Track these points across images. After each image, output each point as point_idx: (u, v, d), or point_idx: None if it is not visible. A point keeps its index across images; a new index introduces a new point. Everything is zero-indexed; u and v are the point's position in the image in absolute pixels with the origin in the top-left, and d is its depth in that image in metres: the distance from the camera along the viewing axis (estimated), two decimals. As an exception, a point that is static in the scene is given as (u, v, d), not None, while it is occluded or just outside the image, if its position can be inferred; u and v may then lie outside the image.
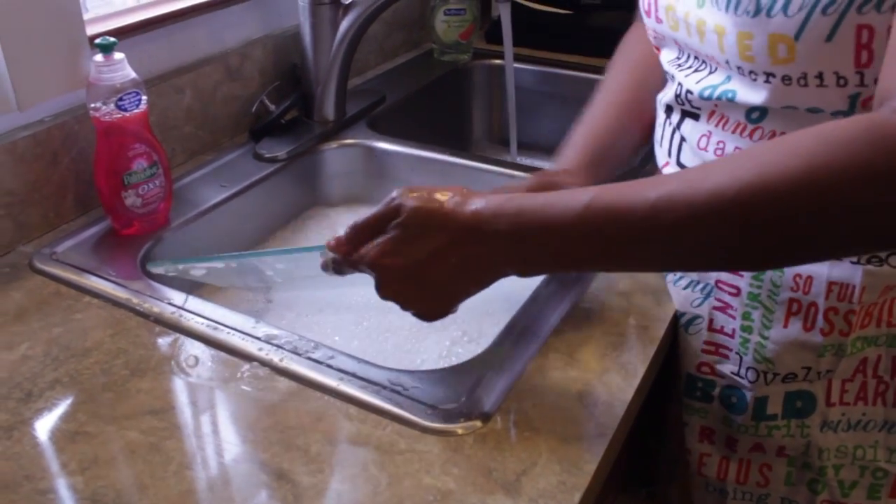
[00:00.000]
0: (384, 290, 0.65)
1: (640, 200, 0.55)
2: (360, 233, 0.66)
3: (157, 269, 0.83)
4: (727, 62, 0.66)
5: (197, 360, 0.71)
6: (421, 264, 0.61)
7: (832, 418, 0.74)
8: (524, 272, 0.62)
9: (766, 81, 0.64)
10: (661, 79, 0.81)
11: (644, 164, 1.00)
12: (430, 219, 0.61)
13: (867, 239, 0.53)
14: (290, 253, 0.79)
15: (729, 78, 0.68)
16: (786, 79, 0.62)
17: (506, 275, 0.62)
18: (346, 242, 0.67)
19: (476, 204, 0.60)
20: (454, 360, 0.79)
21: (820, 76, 0.60)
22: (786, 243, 0.53)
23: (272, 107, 1.13)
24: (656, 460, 0.91)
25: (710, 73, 0.70)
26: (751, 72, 0.64)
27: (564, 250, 0.59)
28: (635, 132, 0.86)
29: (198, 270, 0.83)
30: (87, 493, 0.58)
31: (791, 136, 0.53)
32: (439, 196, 0.62)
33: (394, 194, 0.64)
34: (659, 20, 0.74)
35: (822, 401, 0.74)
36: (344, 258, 0.67)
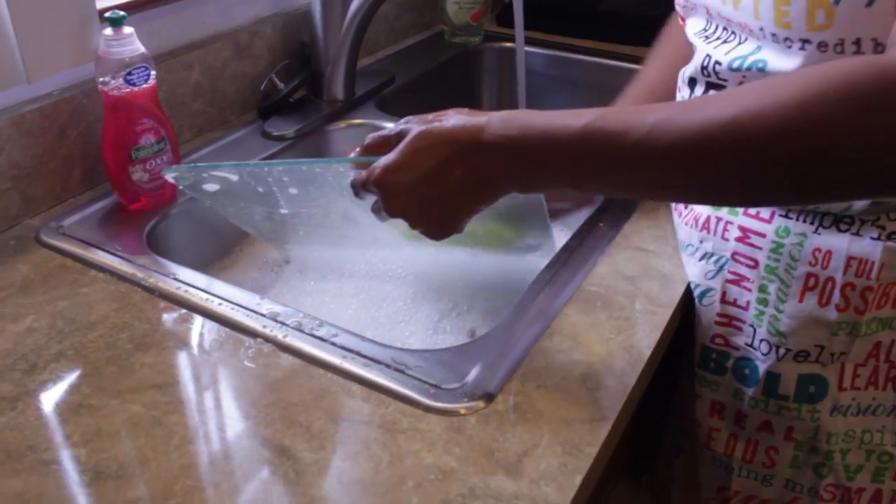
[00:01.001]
0: (390, 206, 0.66)
1: (638, 123, 0.55)
2: (369, 151, 0.68)
3: (170, 175, 0.82)
4: (761, 29, 0.65)
5: (201, 335, 0.71)
6: (425, 179, 0.63)
7: (843, 403, 0.74)
8: (524, 188, 0.63)
9: (801, 49, 0.63)
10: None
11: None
12: (435, 136, 0.63)
13: (860, 177, 0.51)
14: (309, 164, 0.78)
15: (759, 48, 0.67)
16: (822, 45, 0.61)
17: (507, 191, 0.63)
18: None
19: (479, 120, 0.62)
20: (441, 335, 0.79)
21: (857, 42, 0.59)
22: (776, 175, 0.52)
23: (281, 85, 1.13)
24: (661, 435, 0.90)
25: (740, 43, 0.69)
26: (786, 39, 0.63)
27: (563, 167, 0.60)
28: None
29: (211, 184, 0.81)
30: (89, 465, 0.58)
31: (798, 71, 0.53)
32: (444, 118, 0.64)
33: (402, 120, 0.66)
34: None
35: (835, 386, 0.74)
36: (355, 179, 0.69)
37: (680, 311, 0.77)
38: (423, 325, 0.83)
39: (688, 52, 0.80)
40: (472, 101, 1.46)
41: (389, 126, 0.68)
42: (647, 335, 0.72)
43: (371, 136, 0.69)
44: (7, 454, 0.59)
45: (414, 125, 0.64)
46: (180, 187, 0.83)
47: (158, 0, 0.98)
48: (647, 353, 0.70)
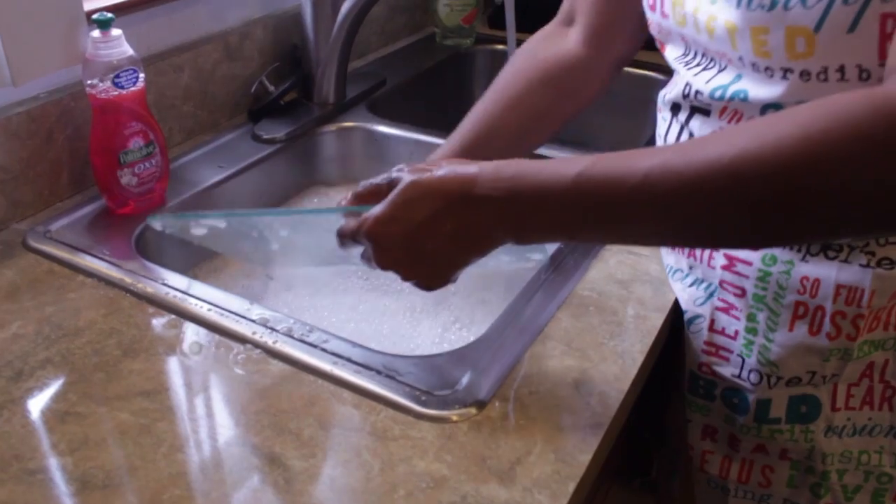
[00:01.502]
0: (382, 259, 0.64)
1: (634, 169, 0.53)
2: (360, 200, 0.66)
3: (156, 224, 0.80)
4: (740, 59, 0.64)
5: (190, 341, 0.71)
6: (416, 232, 0.61)
7: (837, 423, 0.73)
8: (520, 240, 0.61)
9: (784, 77, 0.62)
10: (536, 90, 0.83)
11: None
12: (425, 187, 0.61)
13: (863, 217, 0.50)
14: (298, 214, 0.76)
15: (740, 76, 0.66)
16: (804, 74, 0.60)
17: (503, 242, 0.61)
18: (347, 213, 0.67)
19: (469, 170, 0.60)
20: (447, 347, 0.79)
21: (841, 70, 0.58)
22: (780, 217, 0.51)
23: (271, 87, 1.12)
24: (655, 453, 0.90)
25: (720, 70, 0.68)
26: (766, 68, 0.62)
27: (558, 217, 0.58)
28: (512, 119, 0.85)
29: (198, 229, 0.79)
30: (76, 474, 0.57)
31: (794, 108, 0.51)
32: (435, 168, 0.62)
33: (394, 169, 0.64)
34: (665, 15, 0.72)
35: (828, 406, 0.72)
36: (343, 228, 0.67)
37: (672, 318, 0.77)
38: (427, 338, 0.82)
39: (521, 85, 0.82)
40: (463, 104, 1.45)
41: (380, 176, 0.66)
42: (639, 340, 0.72)
43: (362, 185, 0.66)
44: (-8, 463, 0.58)
45: (405, 174, 0.62)
46: (167, 232, 0.80)
47: (148, 2, 0.97)
48: (641, 358, 0.70)
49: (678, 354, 0.80)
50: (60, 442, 0.60)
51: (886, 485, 0.74)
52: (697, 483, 0.83)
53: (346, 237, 0.66)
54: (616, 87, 0.91)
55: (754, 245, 0.66)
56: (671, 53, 0.75)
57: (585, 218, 0.57)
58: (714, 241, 0.60)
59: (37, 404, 0.64)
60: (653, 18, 0.75)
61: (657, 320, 0.74)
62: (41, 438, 0.60)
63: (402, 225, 0.61)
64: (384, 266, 0.64)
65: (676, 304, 0.78)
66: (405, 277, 0.65)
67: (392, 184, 0.63)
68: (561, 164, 0.57)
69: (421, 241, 0.61)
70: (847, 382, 0.71)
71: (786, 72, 0.61)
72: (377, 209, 0.62)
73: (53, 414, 0.63)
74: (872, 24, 0.55)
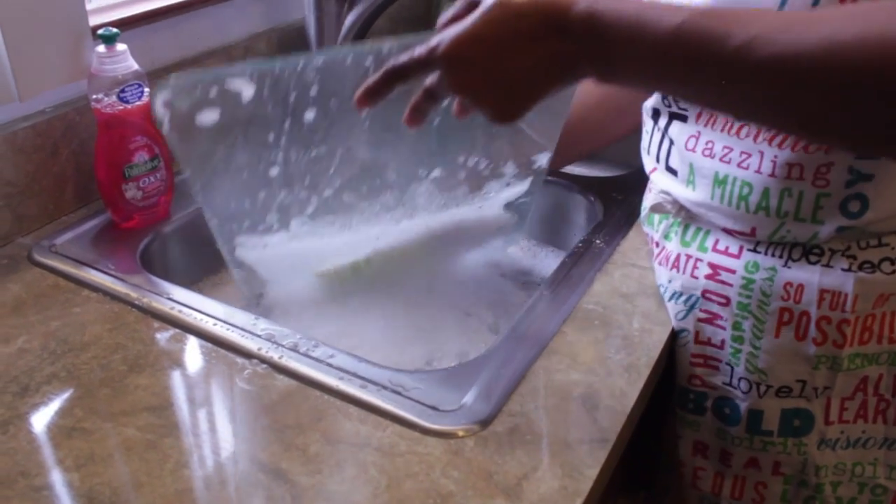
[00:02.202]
0: (456, 82, 0.60)
1: (740, 29, 0.50)
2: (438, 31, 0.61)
3: (164, 94, 0.68)
4: None
5: (196, 356, 0.71)
6: (501, 53, 0.57)
7: (830, 436, 0.73)
8: (605, 78, 0.58)
9: None
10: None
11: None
12: (516, 6, 0.56)
13: None
14: (355, 51, 0.67)
15: None
16: None
17: (585, 76, 0.59)
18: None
19: None
20: (451, 362, 0.79)
21: None
22: (885, 108, 0.48)
23: (275, 101, 1.12)
24: (656, 467, 0.90)
25: None
26: None
27: (651, 62, 0.55)
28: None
29: (210, 112, 0.68)
30: (82, 491, 0.57)
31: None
32: None
33: None
34: None
35: (821, 420, 0.72)
36: (409, 57, 0.61)
37: (673, 333, 0.77)
38: (432, 353, 0.83)
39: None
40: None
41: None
42: (645, 353, 0.72)
43: (441, 20, 0.61)
44: (-2, 480, 0.58)
45: None
46: (165, 125, 0.68)
47: (153, 16, 0.97)
48: (647, 371, 0.69)
49: (670, 370, 0.80)
50: (66, 458, 0.60)
51: (881, 496, 0.74)
52: (690, 500, 0.82)
53: (411, 67, 0.61)
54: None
55: (841, 136, 0.57)
56: None
57: (679, 68, 0.54)
58: (801, 118, 0.55)
59: (43, 420, 0.64)
60: None
61: (662, 334, 0.74)
62: (47, 454, 0.60)
63: (485, 45, 0.57)
64: (458, 90, 0.60)
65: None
66: (477, 102, 0.61)
67: (473, 4, 0.59)
68: (665, 9, 0.54)
69: (505, 64, 0.57)
70: (841, 396, 0.71)
71: None
72: (456, 28, 0.58)
73: (59, 429, 0.62)
74: (833, 2, 0.56)
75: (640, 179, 0.95)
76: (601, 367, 0.70)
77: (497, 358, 0.70)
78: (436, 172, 0.82)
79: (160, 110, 0.68)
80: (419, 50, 0.60)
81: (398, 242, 0.85)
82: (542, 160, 0.86)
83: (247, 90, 0.68)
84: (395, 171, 0.80)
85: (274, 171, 0.74)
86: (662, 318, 0.77)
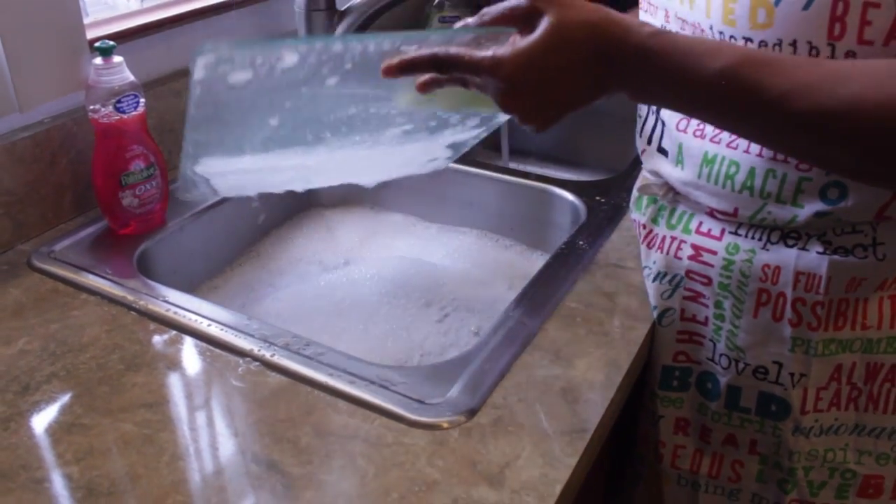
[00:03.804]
0: (509, 104, 0.63)
1: (773, 83, 0.57)
2: (493, 24, 0.63)
3: (205, 57, 0.63)
4: (711, 27, 0.68)
5: (191, 355, 0.73)
6: (558, 80, 0.60)
7: (805, 425, 0.76)
8: (638, 99, 0.64)
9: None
10: None
11: (632, 169, 1.02)
12: (573, 35, 0.59)
13: None
14: (411, 37, 0.67)
15: None
16: (762, 44, 0.64)
17: (620, 93, 0.63)
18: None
19: (621, 25, 0.60)
20: (438, 358, 0.81)
21: (794, 44, 0.62)
22: None
23: (268, 111, 1.15)
24: (628, 462, 0.92)
25: None
26: (731, 37, 0.66)
27: (688, 101, 0.61)
28: None
29: (243, 73, 0.65)
30: (82, 483, 0.59)
31: None
32: (582, 8, 0.60)
33: None
34: None
35: (798, 409, 0.75)
36: (457, 57, 0.63)
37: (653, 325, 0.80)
38: (420, 348, 0.85)
39: None
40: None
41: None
42: (625, 349, 0.74)
43: (489, 10, 0.63)
44: (0, 473, 0.60)
45: (548, 6, 0.60)
46: (195, 77, 0.64)
47: (147, 29, 1.00)
48: (626, 366, 0.72)
49: (646, 359, 0.82)
50: (66, 452, 0.62)
51: (850, 480, 0.77)
52: (667, 482, 0.85)
53: (462, 66, 0.63)
54: (603, 106, 0.94)
55: (870, 179, 0.65)
56: None
57: (712, 107, 0.60)
58: (830, 167, 0.64)
59: (43, 417, 0.66)
60: None
61: (642, 330, 0.77)
62: (47, 449, 0.63)
63: (546, 73, 0.60)
64: (508, 109, 0.63)
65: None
66: (524, 120, 0.64)
67: (531, 13, 0.61)
68: (708, 51, 0.59)
69: (557, 89, 0.61)
70: (816, 386, 0.74)
71: (747, 41, 0.65)
72: (518, 50, 0.60)
73: (59, 425, 0.65)
74: (825, 4, 0.60)
75: (622, 183, 0.98)
76: (582, 363, 0.72)
77: (481, 354, 0.72)
78: (408, 126, 0.81)
79: (199, 73, 0.63)
80: (480, 58, 0.62)
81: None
82: (503, 118, 0.86)
83: (288, 58, 0.65)
84: (372, 119, 0.80)
85: (274, 121, 0.72)
86: (643, 315, 0.79)
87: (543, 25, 0.60)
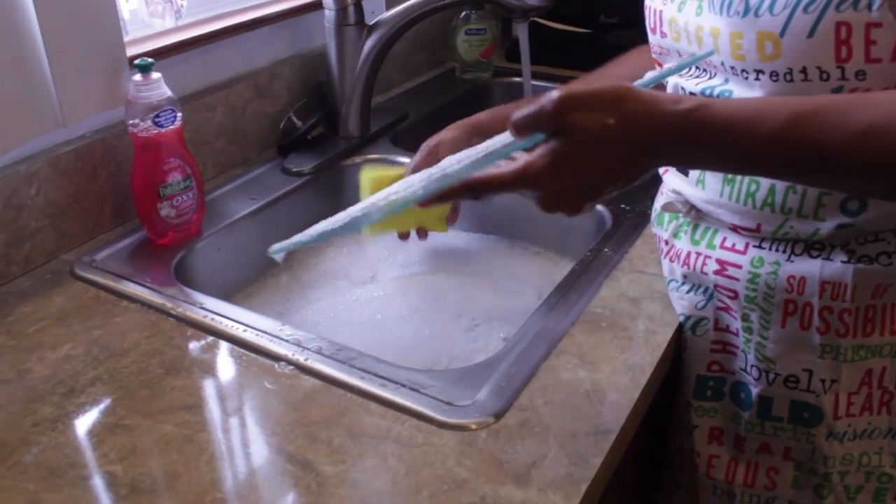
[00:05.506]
0: (548, 206, 0.63)
1: (821, 137, 0.57)
2: (520, 132, 0.62)
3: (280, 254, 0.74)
4: (722, 63, 0.70)
5: (227, 360, 0.76)
6: (594, 178, 0.61)
7: (839, 430, 0.76)
8: (674, 166, 0.70)
9: (757, 79, 0.67)
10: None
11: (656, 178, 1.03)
12: (606, 140, 0.59)
13: None
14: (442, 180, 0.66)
15: (727, 80, 0.71)
16: (773, 75, 0.66)
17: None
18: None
19: (653, 119, 0.59)
20: (467, 361, 0.83)
21: (804, 71, 0.64)
22: None
23: (299, 123, 1.18)
24: (662, 467, 0.93)
25: (710, 77, 0.74)
26: (742, 70, 0.68)
27: (737, 164, 0.63)
28: None
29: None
30: (126, 480, 0.62)
31: None
32: (610, 111, 0.58)
33: (555, 99, 0.59)
34: (664, 34, 0.77)
35: (830, 415, 0.76)
36: (488, 182, 0.63)
37: (678, 332, 0.81)
38: (451, 352, 0.87)
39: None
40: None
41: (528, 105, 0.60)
42: (649, 353, 0.76)
43: (520, 117, 0.61)
44: (50, 471, 0.63)
45: (573, 113, 0.58)
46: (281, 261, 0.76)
47: (183, 46, 1.04)
48: (650, 369, 0.73)
49: (679, 368, 0.83)
50: (111, 451, 0.65)
51: (887, 484, 0.77)
52: (703, 492, 0.86)
53: (499, 187, 0.63)
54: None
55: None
56: None
57: (765, 166, 0.62)
58: (838, 188, 0.67)
59: (88, 418, 0.69)
60: (654, 40, 0.80)
61: (666, 335, 0.78)
62: (93, 448, 0.66)
63: (584, 178, 0.60)
64: (548, 211, 0.63)
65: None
66: (569, 216, 0.64)
67: (558, 119, 0.59)
68: (753, 116, 0.59)
69: (594, 186, 0.61)
70: (847, 391, 0.75)
71: (758, 73, 0.67)
72: (548, 162, 0.60)
73: (103, 426, 0.68)
74: (828, 30, 0.62)
75: (646, 191, 1.00)
76: (607, 366, 0.74)
77: (508, 359, 0.74)
78: None
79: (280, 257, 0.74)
80: (513, 176, 0.61)
81: None
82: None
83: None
84: None
85: None
86: (667, 320, 0.81)
87: (575, 135, 0.59)
